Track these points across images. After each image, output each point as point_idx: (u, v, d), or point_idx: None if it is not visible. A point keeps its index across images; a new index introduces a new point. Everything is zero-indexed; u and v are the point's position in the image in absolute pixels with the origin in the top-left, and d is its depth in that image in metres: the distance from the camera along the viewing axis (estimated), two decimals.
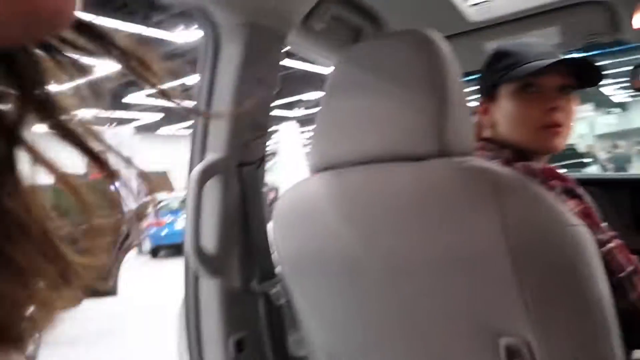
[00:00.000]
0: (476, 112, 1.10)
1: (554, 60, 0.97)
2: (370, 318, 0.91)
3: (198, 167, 1.09)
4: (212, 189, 1.13)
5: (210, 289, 1.13)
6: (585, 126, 18.64)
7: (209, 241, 1.12)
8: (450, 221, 0.77)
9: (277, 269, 1.16)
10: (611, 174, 5.35)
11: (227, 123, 1.13)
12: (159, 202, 11.64)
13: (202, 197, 1.08)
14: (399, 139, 0.82)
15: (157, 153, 16.38)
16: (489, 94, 1.07)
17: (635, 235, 1.65)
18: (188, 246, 1.08)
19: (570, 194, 0.90)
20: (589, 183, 1.40)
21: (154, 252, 10.71)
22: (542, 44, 1.08)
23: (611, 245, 0.86)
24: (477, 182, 0.75)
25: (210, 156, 1.12)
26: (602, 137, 19.94)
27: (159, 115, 15.66)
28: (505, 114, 1.03)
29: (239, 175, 1.16)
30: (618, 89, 21.40)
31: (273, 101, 1.24)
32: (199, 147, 1.15)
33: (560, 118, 0.99)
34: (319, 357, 1.03)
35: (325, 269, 0.93)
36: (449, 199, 0.77)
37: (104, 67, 0.32)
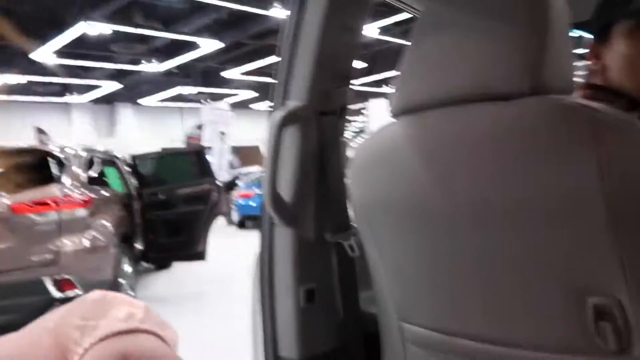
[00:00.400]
0: (586, 58, 0.99)
1: None
2: (444, 269, 0.86)
3: (279, 113, 1.08)
4: (292, 136, 1.12)
5: (284, 238, 1.12)
6: None
7: (286, 189, 1.12)
8: (540, 164, 0.70)
9: (352, 222, 1.13)
10: None
11: (309, 70, 1.11)
12: (250, 174, 12.07)
13: (281, 144, 1.07)
14: (489, 76, 0.75)
15: (250, 128, 16.94)
16: (601, 35, 0.95)
17: None
18: (265, 193, 1.08)
19: None
20: None
21: (242, 223, 11.11)
22: None
23: None
24: (575, 120, 0.67)
25: (292, 103, 1.11)
26: None
27: (253, 93, 16.15)
28: (620, 56, 0.92)
29: (318, 123, 1.14)
30: None
31: (358, 50, 1.20)
32: (281, 94, 1.14)
33: None
34: (390, 314, 1.00)
35: (401, 216, 0.89)
36: (540, 139, 0.70)
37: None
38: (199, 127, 13.71)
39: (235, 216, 11.33)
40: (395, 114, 0.91)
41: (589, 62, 0.99)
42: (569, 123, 0.68)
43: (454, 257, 0.84)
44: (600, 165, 0.65)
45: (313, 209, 1.13)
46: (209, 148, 11.14)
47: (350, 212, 1.13)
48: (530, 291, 0.77)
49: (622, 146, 0.65)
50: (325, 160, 1.14)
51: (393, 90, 0.91)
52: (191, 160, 5.81)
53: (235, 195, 11.24)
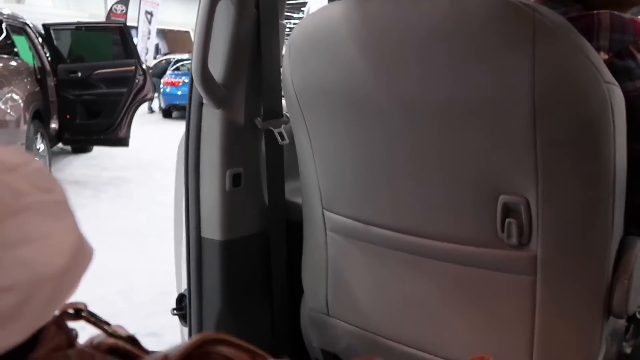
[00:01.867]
0: None
1: None
2: (372, 160, 0.87)
3: None
4: (225, 14, 1.04)
5: (212, 120, 1.08)
6: None
7: (217, 69, 1.06)
8: (479, 59, 0.70)
9: (285, 109, 1.11)
10: None
11: None
12: (178, 60, 11.45)
13: (212, 18, 1.00)
14: None
15: (181, 10, 15.80)
16: None
17: None
18: (194, 70, 1.01)
19: None
20: None
21: (167, 112, 10.72)
22: None
23: None
24: (516, 18, 0.68)
25: None
26: None
27: None
28: None
29: (255, 1, 1.06)
30: None
31: None
32: None
33: None
34: (314, 202, 1.01)
35: (335, 104, 0.87)
36: (481, 34, 0.70)
37: None
38: (123, 2, 12.61)
39: (160, 104, 10.90)
40: None
41: None
42: (513, 21, 0.68)
43: (382, 150, 0.85)
44: (534, 61, 0.66)
45: (244, 93, 1.09)
46: (134, 28, 10.37)
47: (283, 101, 1.10)
48: (449, 187, 0.80)
49: (556, 46, 0.67)
50: (261, 42, 1.08)
51: None
52: (113, 38, 5.38)
53: (162, 82, 10.72)
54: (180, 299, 1.23)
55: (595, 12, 0.82)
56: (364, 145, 0.87)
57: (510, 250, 0.77)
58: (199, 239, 1.12)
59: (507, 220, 0.75)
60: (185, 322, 1.20)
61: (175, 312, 1.24)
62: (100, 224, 3.35)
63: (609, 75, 0.69)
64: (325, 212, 1.00)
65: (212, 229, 1.11)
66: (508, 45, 0.68)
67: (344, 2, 0.84)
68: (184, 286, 1.21)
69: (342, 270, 1.01)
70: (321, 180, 0.98)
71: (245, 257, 1.16)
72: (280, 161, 1.16)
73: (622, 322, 1.12)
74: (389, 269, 0.93)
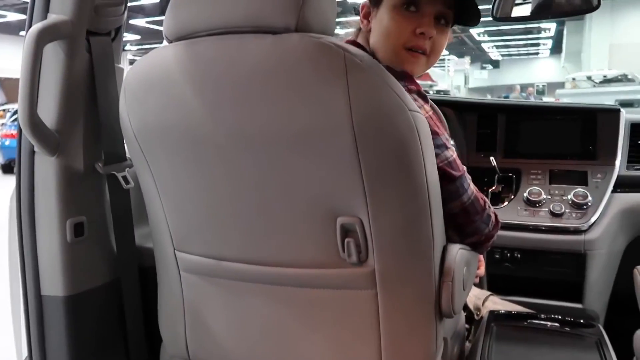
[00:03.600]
0: (358, 12, 1.07)
1: None
2: (216, 197, 0.88)
3: (36, 27, 0.95)
4: (55, 56, 1.00)
5: (47, 168, 1.02)
6: (461, 78, 19.89)
7: (48, 114, 1.00)
8: (302, 95, 0.76)
9: (127, 151, 1.08)
10: (462, 97, 5.75)
11: None
12: (17, 111, 10.50)
13: (39, 62, 0.96)
14: (258, 10, 0.79)
15: (18, 57, 14.59)
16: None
17: (475, 153, 1.80)
18: (22, 116, 0.95)
19: (425, 99, 0.94)
20: (443, 104, 1.49)
21: (7, 167, 9.71)
22: None
23: (450, 152, 0.92)
24: (330, 57, 0.74)
25: (54, 17, 0.98)
26: (473, 89, 21.47)
27: (24, 16, 13.87)
28: (380, 24, 1.01)
29: (87, 45, 1.03)
30: (493, 47, 22.93)
31: None
32: (41, 5, 1.00)
33: (426, 45, 0.98)
34: (166, 244, 0.99)
35: (174, 144, 0.88)
36: (301, 72, 0.75)
37: None
38: None
39: None
40: (169, 39, 0.88)
41: (360, 18, 1.07)
42: (328, 60, 0.75)
43: (226, 186, 0.87)
44: (349, 97, 0.73)
45: (81, 137, 1.04)
46: None
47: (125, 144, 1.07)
48: (292, 214, 0.84)
49: (365, 81, 0.74)
50: (96, 87, 1.05)
51: (166, 15, 0.88)
52: None
53: (0, 135, 9.73)
54: None
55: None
56: (206, 182, 0.88)
57: (352, 268, 0.83)
58: (39, 297, 1.03)
59: (346, 240, 0.81)
60: None
61: None
62: None
63: (412, 104, 0.78)
64: (177, 252, 0.98)
65: (53, 285, 1.02)
66: (325, 81, 0.74)
67: (175, 45, 0.86)
68: (25, 353, 1.10)
69: (200, 310, 0.99)
70: (170, 221, 0.96)
71: (94, 311, 1.09)
72: (127, 206, 1.12)
73: (463, 324, 1.24)
74: (245, 302, 0.94)
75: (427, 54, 0.99)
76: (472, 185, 0.96)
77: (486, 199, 1.01)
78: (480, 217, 0.97)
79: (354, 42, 1.04)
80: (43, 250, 1.03)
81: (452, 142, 0.97)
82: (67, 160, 1.02)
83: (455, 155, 0.94)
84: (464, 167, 0.96)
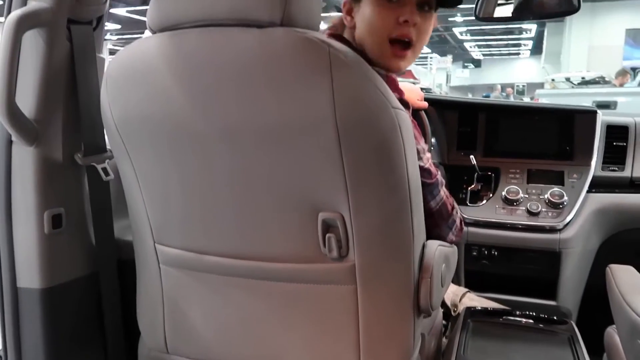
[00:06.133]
0: (340, 9, 1.07)
1: None
2: (198, 190, 0.88)
3: (15, 13, 0.93)
4: (34, 44, 0.98)
5: (24, 158, 1.00)
6: (443, 76, 20.03)
7: (27, 103, 0.99)
8: (286, 90, 0.76)
9: (108, 143, 1.07)
10: (443, 95, 5.77)
11: None
12: None
13: (18, 50, 0.94)
14: (244, 4, 0.78)
15: None
16: None
17: (455, 152, 1.83)
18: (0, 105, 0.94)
19: (407, 106, 0.94)
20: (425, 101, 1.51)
21: None
22: None
23: (424, 160, 0.95)
24: (314, 52, 0.75)
25: (34, 4, 0.97)
26: (455, 88, 21.66)
27: None
28: (363, 18, 1.01)
29: (68, 33, 1.02)
30: (475, 46, 23.16)
31: None
32: None
33: (411, 32, 0.98)
34: (145, 237, 0.98)
35: (157, 135, 0.87)
36: (285, 67, 0.75)
37: None
38: None
39: None
40: (153, 30, 0.87)
41: (343, 15, 1.07)
42: (312, 55, 0.75)
43: (208, 179, 0.86)
44: (333, 92, 0.74)
45: (61, 128, 1.02)
46: None
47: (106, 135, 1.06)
48: (273, 208, 0.84)
49: (349, 76, 0.75)
50: (76, 76, 1.03)
51: (150, 5, 0.87)
52: None
53: None
54: None
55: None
56: (187, 174, 0.88)
57: (332, 263, 0.83)
58: (15, 289, 1.02)
59: (327, 235, 0.81)
60: None
61: None
62: None
63: (395, 102, 0.79)
64: (157, 245, 0.98)
65: (29, 277, 1.01)
66: (309, 76, 0.75)
67: (159, 35, 0.85)
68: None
69: (179, 304, 0.99)
70: (150, 213, 0.96)
71: (71, 304, 1.07)
72: (106, 198, 1.11)
73: (441, 320, 1.26)
74: (225, 296, 0.94)
75: (412, 44, 1.00)
76: (442, 191, 0.99)
77: (455, 205, 1.04)
78: (446, 222, 1.02)
79: (340, 38, 1.04)
80: (20, 242, 1.01)
81: (428, 151, 1.01)
82: (46, 150, 1.01)
83: (430, 163, 0.97)
84: (438, 172, 0.99)
